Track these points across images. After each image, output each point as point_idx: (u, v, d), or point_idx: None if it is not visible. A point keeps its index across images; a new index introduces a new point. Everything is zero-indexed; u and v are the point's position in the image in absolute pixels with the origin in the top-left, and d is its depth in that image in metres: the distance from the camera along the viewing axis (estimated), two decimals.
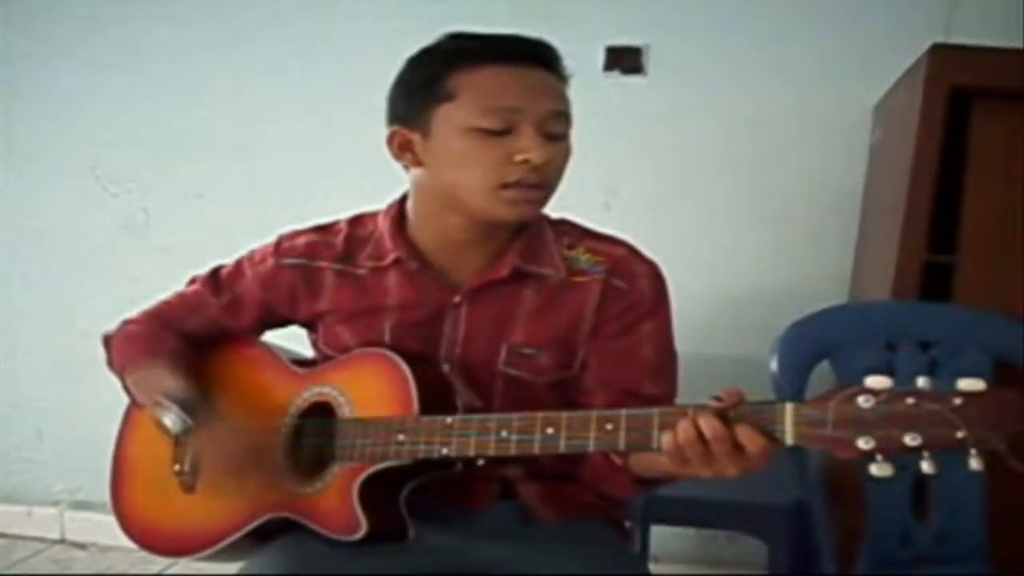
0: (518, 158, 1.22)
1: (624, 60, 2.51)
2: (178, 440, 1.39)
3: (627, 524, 1.53)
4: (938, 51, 1.86)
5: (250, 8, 2.74)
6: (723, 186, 2.53)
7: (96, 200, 2.90)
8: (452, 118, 1.24)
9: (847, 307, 2.22)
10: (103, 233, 2.92)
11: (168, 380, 1.38)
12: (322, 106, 2.68)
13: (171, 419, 1.33)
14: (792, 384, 1.76)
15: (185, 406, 1.33)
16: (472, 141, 1.23)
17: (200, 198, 2.83)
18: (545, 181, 1.27)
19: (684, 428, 1.05)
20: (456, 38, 1.28)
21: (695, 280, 2.36)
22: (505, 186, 1.24)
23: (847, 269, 2.46)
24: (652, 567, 1.42)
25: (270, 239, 1.48)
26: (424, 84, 1.26)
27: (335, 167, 2.67)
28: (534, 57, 1.25)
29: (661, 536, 2.28)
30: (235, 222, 2.60)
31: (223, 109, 2.78)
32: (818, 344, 1.81)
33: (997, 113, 1.88)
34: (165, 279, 1.59)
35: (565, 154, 1.30)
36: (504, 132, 1.22)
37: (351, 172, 2.63)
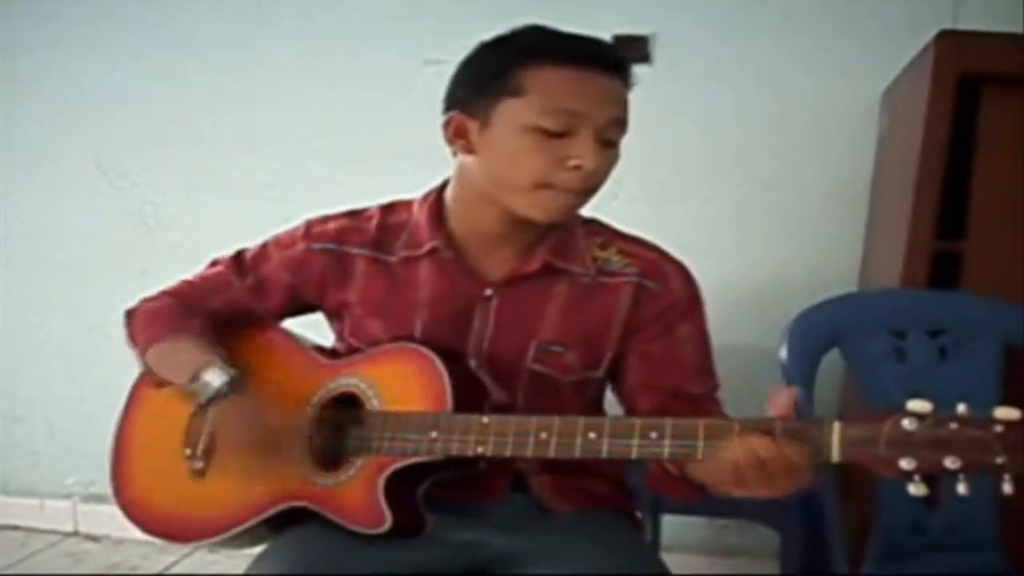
0: (571, 163, 1.23)
1: (631, 49, 2.50)
2: (208, 406, 1.36)
3: (639, 514, 1.54)
4: (946, 37, 1.85)
5: (257, 0, 2.74)
6: (731, 175, 2.52)
7: (102, 194, 2.90)
8: (514, 113, 1.23)
9: (857, 295, 2.22)
10: (110, 227, 2.92)
11: (206, 349, 1.38)
12: (329, 100, 2.68)
13: (219, 377, 1.32)
14: (802, 373, 1.76)
15: (229, 366, 1.33)
16: (530, 139, 1.22)
17: (207, 191, 2.83)
18: (590, 187, 1.27)
19: (744, 451, 1.06)
20: (533, 33, 1.27)
21: (703, 269, 2.34)
22: (548, 186, 1.24)
23: (856, 257, 2.45)
24: (664, 557, 1.42)
25: (295, 224, 1.48)
26: (492, 75, 1.25)
27: (343, 161, 2.67)
28: (605, 62, 1.25)
29: (673, 526, 2.29)
30: (243, 215, 2.61)
31: (230, 101, 2.78)
32: (828, 332, 1.81)
33: (1006, 99, 1.87)
34: (173, 272, 1.59)
35: (614, 160, 1.30)
36: (563, 135, 1.22)
37: (359, 166, 2.63)
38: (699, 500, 1.30)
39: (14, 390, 3.08)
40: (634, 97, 2.52)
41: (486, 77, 1.26)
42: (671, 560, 1.40)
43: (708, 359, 1.39)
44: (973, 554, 1.73)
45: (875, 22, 2.36)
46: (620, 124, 1.28)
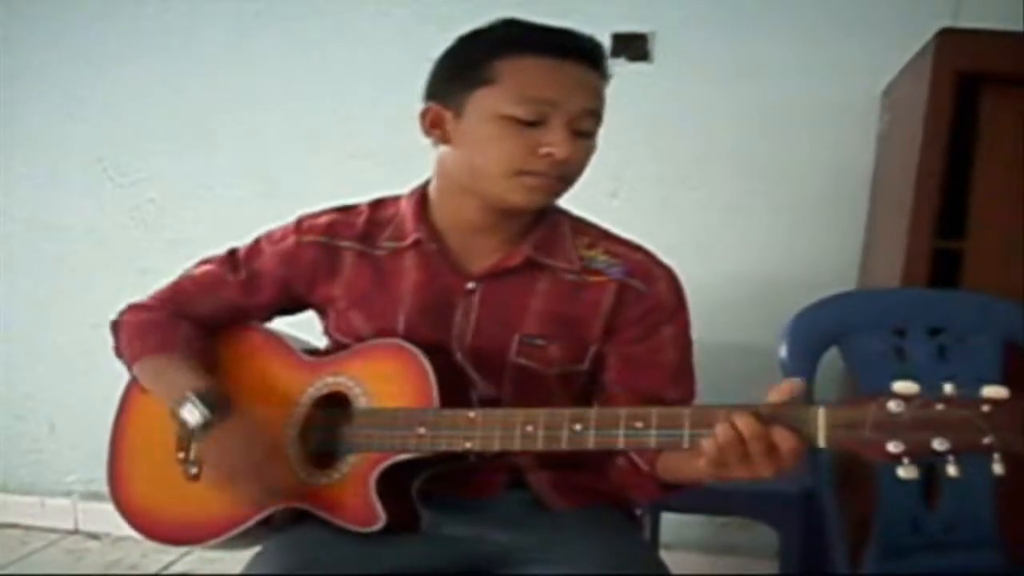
0: (543, 151, 1.23)
1: (631, 47, 2.50)
2: (192, 434, 1.35)
3: (638, 512, 1.54)
4: (946, 36, 1.85)
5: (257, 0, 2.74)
6: (730, 173, 2.52)
7: (104, 191, 2.91)
8: (487, 103, 1.25)
9: (856, 294, 2.22)
10: (111, 224, 2.92)
11: (188, 374, 1.36)
12: (332, 98, 2.68)
13: (193, 415, 1.30)
14: (801, 371, 1.75)
15: (206, 401, 1.31)
16: (502, 128, 1.24)
17: (208, 189, 2.84)
18: (563, 176, 1.28)
19: (723, 429, 1.06)
20: (508, 25, 1.29)
21: (702, 268, 2.35)
22: (523, 173, 1.25)
23: (856, 255, 2.45)
24: (663, 555, 1.42)
25: (288, 221, 1.48)
26: (467, 66, 1.27)
27: (344, 159, 2.67)
28: (579, 53, 1.26)
29: (672, 523, 2.29)
30: (244, 212, 2.61)
31: (231, 99, 2.79)
32: (827, 331, 1.80)
33: (1005, 98, 1.88)
34: (173, 271, 1.59)
35: (589, 151, 1.31)
36: (534, 123, 1.23)
37: (360, 163, 2.64)
38: (661, 500, 1.30)
39: (15, 388, 3.08)
40: (633, 95, 2.53)
41: (461, 68, 1.28)
42: (670, 558, 1.40)
43: (687, 363, 1.39)
44: (972, 553, 1.73)
45: (875, 20, 2.36)
46: (593, 115, 1.28)
